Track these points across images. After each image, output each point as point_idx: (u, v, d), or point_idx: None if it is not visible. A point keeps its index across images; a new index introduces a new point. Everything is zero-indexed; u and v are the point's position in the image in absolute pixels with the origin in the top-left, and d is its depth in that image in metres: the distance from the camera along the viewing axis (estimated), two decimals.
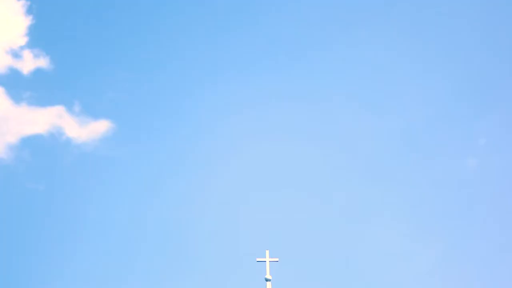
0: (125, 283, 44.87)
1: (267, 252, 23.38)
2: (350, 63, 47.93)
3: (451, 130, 47.21)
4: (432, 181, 47.36)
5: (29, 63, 45.95)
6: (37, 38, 47.28)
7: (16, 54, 45.72)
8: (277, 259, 23.42)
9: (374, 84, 47.62)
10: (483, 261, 45.73)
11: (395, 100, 47.81)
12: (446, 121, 47.24)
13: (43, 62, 45.94)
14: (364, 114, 47.45)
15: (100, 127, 46.63)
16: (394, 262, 46.53)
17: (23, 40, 45.79)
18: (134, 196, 47.07)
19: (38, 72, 47.29)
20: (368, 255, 46.78)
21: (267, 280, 23.16)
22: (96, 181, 47.20)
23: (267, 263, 23.21)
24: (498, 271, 45.39)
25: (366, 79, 46.99)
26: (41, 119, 46.33)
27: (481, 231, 46.37)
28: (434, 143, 46.98)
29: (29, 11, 46.51)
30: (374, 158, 47.40)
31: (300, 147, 46.02)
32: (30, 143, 46.83)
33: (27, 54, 45.95)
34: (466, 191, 47.13)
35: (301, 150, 46.13)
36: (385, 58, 47.91)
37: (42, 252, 45.63)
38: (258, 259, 23.38)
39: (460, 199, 47.47)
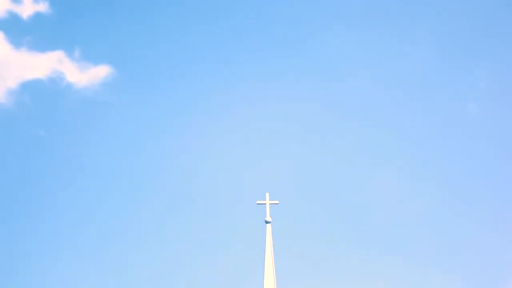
0: (126, 224, 45.13)
1: (267, 194, 23.49)
2: None
3: (452, 76, 47.10)
4: (433, 126, 47.37)
5: (29, 7, 45.61)
6: None
7: None
8: (277, 202, 23.52)
9: (376, 30, 47.47)
10: (484, 205, 45.92)
11: (396, 47, 47.69)
12: (447, 67, 47.10)
13: (42, 7, 45.61)
14: (367, 62, 47.38)
15: (100, 72, 46.47)
16: (394, 205, 46.72)
17: None
18: (134, 140, 47.12)
19: (37, 16, 46.97)
20: (368, 199, 46.95)
21: (267, 222, 23.29)
22: (96, 126, 47.24)
23: (267, 206, 23.32)
24: (497, 214, 45.60)
25: (368, 22, 46.82)
26: (41, 64, 46.15)
27: (481, 174, 46.47)
28: (435, 88, 46.90)
29: None
30: (375, 103, 47.36)
31: (304, 92, 46.03)
32: (30, 88, 46.71)
33: None
34: (467, 136, 47.18)
35: (306, 95, 46.14)
36: (387, 3, 47.71)
37: (43, 196, 45.85)
38: (258, 202, 23.49)
39: (461, 144, 47.53)
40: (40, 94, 46.38)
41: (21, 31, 45.36)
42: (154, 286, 47.96)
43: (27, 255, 45.36)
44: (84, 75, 45.50)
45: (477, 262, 46.71)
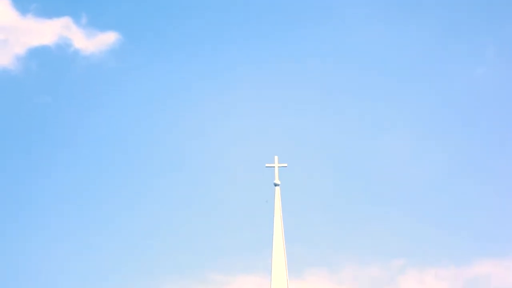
0: (132, 187, 45.38)
1: (276, 158, 23.60)
2: None
3: (460, 40, 47.03)
4: (440, 91, 47.38)
5: None
6: None
7: None
8: (285, 165, 23.65)
9: None
10: (488, 170, 46.07)
11: (405, 12, 47.59)
12: (454, 32, 47.01)
13: None
14: (375, 26, 47.32)
15: (107, 39, 46.45)
16: (400, 167, 46.85)
17: None
18: (141, 106, 47.23)
19: None
20: (375, 160, 47.10)
21: (276, 185, 23.42)
22: (103, 93, 47.32)
23: (276, 169, 23.44)
24: (502, 175, 45.76)
25: None
26: (48, 31, 46.12)
27: (486, 137, 46.58)
28: (443, 53, 46.85)
29: None
30: (383, 67, 47.36)
31: (313, 54, 46.02)
32: (37, 55, 46.72)
33: None
34: (474, 100, 47.19)
35: (314, 58, 46.14)
36: None
37: (48, 161, 46.08)
38: (267, 165, 23.62)
39: (468, 108, 47.56)
40: (47, 61, 46.41)
41: None
42: (164, 249, 48.29)
43: (31, 220, 45.72)
44: (91, 42, 45.49)
45: (481, 221, 46.94)
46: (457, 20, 45.91)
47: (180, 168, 47.00)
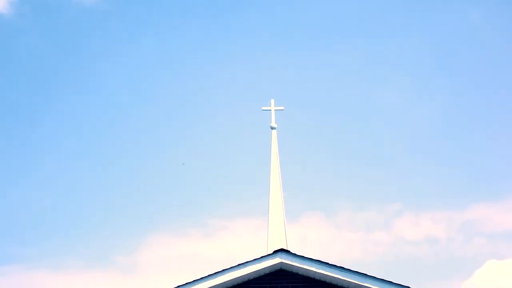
0: (128, 133, 45.12)
1: (272, 101, 23.30)
2: None
3: None
4: (435, 36, 46.93)
5: None
6: None
7: None
8: (282, 108, 23.35)
9: None
10: (486, 115, 45.82)
11: None
12: None
13: None
14: None
15: None
16: (399, 113, 46.58)
17: None
18: (135, 49, 46.78)
19: None
20: (372, 106, 46.80)
21: (272, 128, 23.17)
22: (96, 36, 46.81)
23: (272, 112, 23.15)
24: (498, 123, 45.54)
25: None
26: None
27: (483, 84, 46.23)
28: None
29: None
30: (378, 15, 46.87)
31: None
32: None
33: None
34: (469, 45, 46.78)
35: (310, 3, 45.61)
36: None
37: (43, 106, 45.76)
38: (263, 108, 23.33)
39: (463, 53, 47.16)
40: (41, 4, 45.74)
41: None
42: (162, 195, 48.26)
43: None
44: None
45: (477, 164, 46.90)
46: None
47: (176, 112, 46.64)
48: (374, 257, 47.50)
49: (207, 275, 17.47)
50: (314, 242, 45.42)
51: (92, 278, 48.82)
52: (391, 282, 17.30)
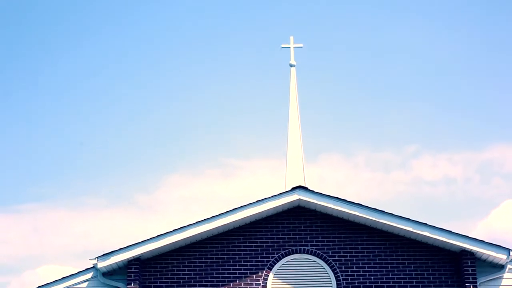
0: (137, 70, 45.21)
1: (292, 38, 23.16)
2: None
3: None
4: None
5: None
6: None
7: None
8: (301, 45, 23.23)
9: None
10: (506, 53, 45.49)
11: None
12: None
13: None
14: None
15: None
16: (418, 53, 46.37)
17: None
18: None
19: None
20: (392, 43, 46.47)
21: (291, 66, 23.10)
22: None
23: (292, 49, 23.03)
24: None
25: None
26: None
27: (507, 21, 45.79)
28: None
29: None
30: None
31: None
32: None
33: None
34: None
35: None
36: None
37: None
38: (282, 45, 23.21)
39: None
40: None
41: None
42: (178, 134, 48.39)
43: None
44: None
45: (496, 105, 46.73)
46: None
47: (194, 49, 46.52)
48: (391, 197, 47.65)
49: (225, 211, 17.66)
50: (332, 183, 45.55)
51: (112, 217, 49.40)
52: (408, 219, 17.43)
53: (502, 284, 17.51)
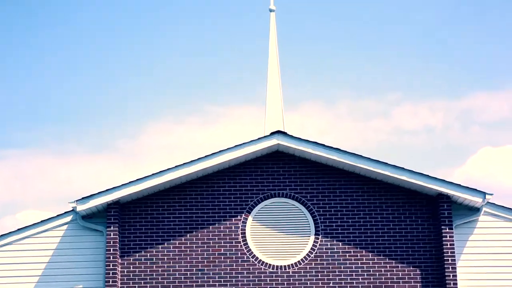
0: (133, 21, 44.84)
1: None
2: None
3: None
4: None
5: None
6: None
7: None
8: None
9: None
10: (487, 5, 45.48)
11: None
12: None
13: None
14: None
15: None
16: (400, 2, 46.17)
17: None
18: None
19: None
20: None
21: (271, 11, 23.06)
22: None
23: None
24: (499, 15, 45.31)
25: None
26: None
27: None
28: None
29: None
30: None
31: None
32: None
33: None
34: None
35: None
36: None
37: None
38: None
39: None
40: None
41: None
42: (162, 82, 48.31)
43: None
44: None
45: (476, 54, 46.89)
46: None
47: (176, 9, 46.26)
48: (372, 146, 47.98)
49: (204, 155, 17.74)
50: (313, 131, 45.75)
51: (95, 164, 49.56)
52: (385, 163, 17.58)
53: (477, 226, 17.78)
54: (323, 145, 17.75)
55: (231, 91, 47.70)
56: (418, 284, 17.45)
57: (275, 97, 23.30)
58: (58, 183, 48.82)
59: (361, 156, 17.63)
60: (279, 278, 17.57)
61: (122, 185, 17.61)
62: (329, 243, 17.68)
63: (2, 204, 48.89)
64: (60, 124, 49.46)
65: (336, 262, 17.59)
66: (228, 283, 17.58)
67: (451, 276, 17.15)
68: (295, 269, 17.60)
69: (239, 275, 17.60)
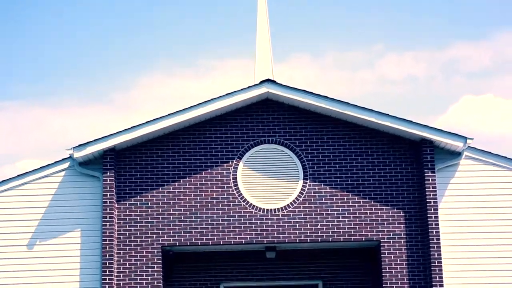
0: None
1: None
2: None
3: None
4: None
5: None
6: None
7: None
8: None
9: None
10: None
11: None
12: None
13: None
14: None
15: None
16: None
17: None
18: None
19: None
20: None
21: None
22: None
23: None
24: None
25: None
26: None
27: None
28: None
29: None
30: None
31: None
32: None
33: None
34: None
35: None
36: None
37: None
38: None
39: None
40: None
41: None
42: (155, 34, 48.62)
43: None
44: None
45: (459, 3, 47.33)
46: None
47: None
48: (358, 96, 48.88)
49: (197, 103, 18.36)
50: (301, 82, 46.47)
51: (90, 115, 50.27)
52: (371, 109, 18.25)
53: (458, 169, 18.54)
54: (311, 93, 18.40)
55: (223, 44, 48.23)
56: (402, 225, 18.25)
57: (264, 49, 23.81)
58: (54, 134, 49.63)
59: (347, 103, 18.30)
60: (269, 221, 18.32)
61: (118, 132, 18.26)
62: (316, 187, 18.42)
63: (1, 154, 49.72)
64: (55, 77, 50.06)
65: (324, 205, 18.34)
66: (221, 226, 18.32)
67: (433, 217, 17.94)
68: (284, 212, 18.34)
69: (231, 218, 18.33)
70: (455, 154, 18.47)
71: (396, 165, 18.51)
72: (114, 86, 50.20)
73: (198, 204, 18.40)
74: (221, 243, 18.26)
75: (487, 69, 49.59)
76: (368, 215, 18.28)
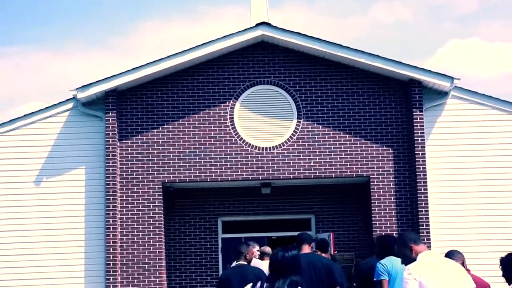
0: None
1: None
2: None
3: None
4: None
5: None
6: None
7: None
8: None
9: None
10: None
11: None
12: None
13: None
14: None
15: None
16: None
17: None
18: None
19: None
20: None
21: None
22: None
23: None
24: None
25: None
26: None
27: None
28: None
29: None
30: None
31: None
32: None
33: None
34: None
35: None
36: None
37: None
38: None
39: None
40: None
41: None
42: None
43: None
44: None
45: None
46: None
47: None
48: (350, 39, 49.60)
49: (196, 45, 19.11)
50: (295, 27, 46.95)
51: (92, 60, 50.92)
52: (362, 51, 19.03)
53: (445, 109, 19.39)
54: (305, 35, 19.14)
55: None
56: (390, 162, 19.14)
57: None
58: (56, 78, 50.43)
59: (340, 45, 19.06)
60: (265, 158, 19.20)
61: (120, 73, 19.03)
62: (310, 126, 19.27)
63: (7, 98, 50.56)
64: (57, 23, 50.59)
65: (316, 143, 19.21)
66: (218, 163, 19.21)
67: (420, 154, 18.84)
68: (279, 150, 19.22)
69: (228, 156, 19.21)
70: (442, 94, 19.30)
71: (385, 104, 19.33)
72: (113, 31, 50.83)
73: (197, 143, 19.24)
74: (219, 180, 19.15)
75: (473, 13, 50.27)
76: (359, 152, 19.15)
